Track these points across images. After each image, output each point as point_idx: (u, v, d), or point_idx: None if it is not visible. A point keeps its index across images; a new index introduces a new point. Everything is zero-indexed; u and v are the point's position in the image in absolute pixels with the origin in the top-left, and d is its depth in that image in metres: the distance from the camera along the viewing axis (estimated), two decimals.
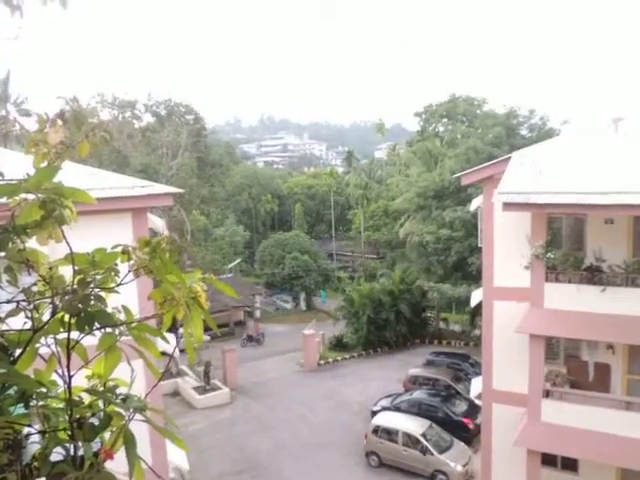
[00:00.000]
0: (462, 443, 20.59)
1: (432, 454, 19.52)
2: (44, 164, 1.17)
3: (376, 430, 20.91)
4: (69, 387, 1.10)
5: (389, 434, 20.57)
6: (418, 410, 22.59)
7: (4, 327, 1.11)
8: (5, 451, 0.96)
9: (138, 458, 1.14)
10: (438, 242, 32.68)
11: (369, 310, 34.40)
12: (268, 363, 33.49)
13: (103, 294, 1.13)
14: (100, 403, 1.12)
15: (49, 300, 1.09)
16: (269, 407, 26.67)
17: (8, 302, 1.13)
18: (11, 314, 1.11)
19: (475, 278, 28.91)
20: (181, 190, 16.29)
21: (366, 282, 38.69)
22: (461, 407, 23.03)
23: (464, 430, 21.60)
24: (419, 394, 24.20)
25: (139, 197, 12.37)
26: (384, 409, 23.21)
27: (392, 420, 21.24)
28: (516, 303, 15.74)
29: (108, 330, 1.10)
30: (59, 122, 1.17)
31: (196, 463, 19.14)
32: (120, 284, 1.13)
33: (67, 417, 1.08)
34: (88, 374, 1.16)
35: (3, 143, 44.88)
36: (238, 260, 48.98)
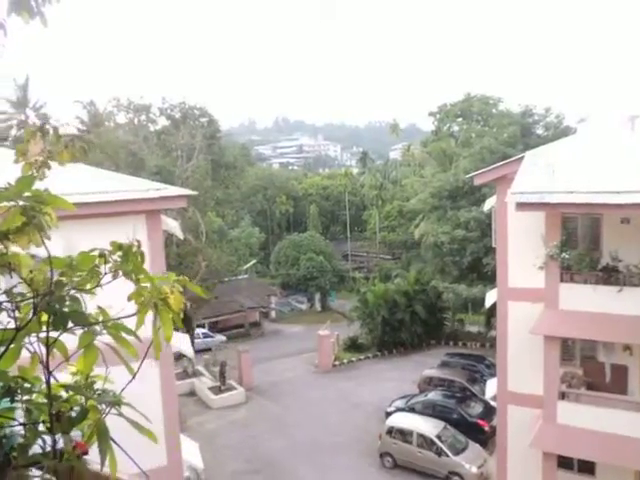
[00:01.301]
0: (477, 445, 20.46)
1: (447, 455, 19.43)
2: (32, 172, 1.24)
3: (390, 431, 20.87)
4: (48, 382, 1.16)
5: (403, 435, 20.52)
6: (433, 411, 22.49)
7: None
8: None
9: (111, 449, 1.20)
10: (453, 242, 32.49)
11: (384, 311, 34.33)
12: (283, 363, 33.59)
13: (88, 294, 1.19)
14: (80, 398, 1.18)
15: (31, 301, 1.15)
16: (284, 407, 26.76)
17: None
18: None
19: (491, 279, 28.64)
20: (194, 192, 16.44)
21: (381, 283, 38.60)
22: (476, 409, 22.87)
23: (479, 432, 21.44)
24: (434, 395, 24.10)
25: (153, 199, 12.55)
26: (398, 410, 23.15)
27: (406, 421, 21.19)
28: (531, 304, 15.62)
29: (86, 329, 1.16)
30: (39, 135, 1.23)
31: (211, 462, 19.27)
32: (98, 285, 1.19)
33: (46, 409, 1.14)
34: (72, 371, 1.23)
35: None
36: (253, 261, 49.21)
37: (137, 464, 1.24)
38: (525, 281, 16.06)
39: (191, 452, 14.63)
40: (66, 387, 1.19)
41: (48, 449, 1.09)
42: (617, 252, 14.64)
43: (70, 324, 1.14)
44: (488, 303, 19.69)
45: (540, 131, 33.59)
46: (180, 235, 16.83)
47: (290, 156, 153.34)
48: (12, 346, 1.11)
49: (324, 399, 27.37)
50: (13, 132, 50.36)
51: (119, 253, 1.18)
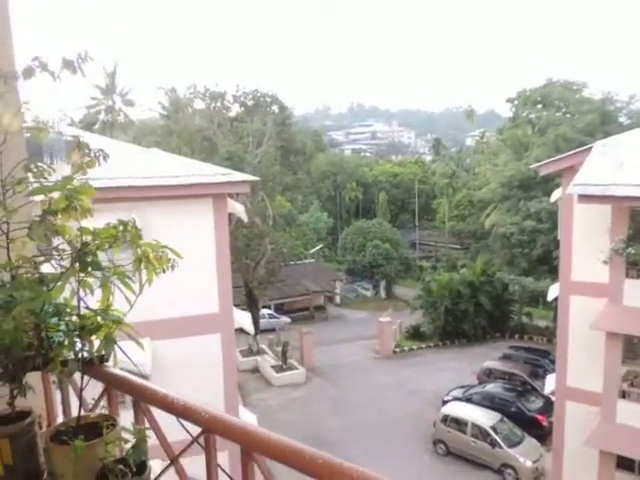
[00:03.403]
0: (534, 439, 20.20)
1: (501, 447, 19.35)
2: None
3: (445, 419, 21.03)
4: (78, 306, 1.74)
5: (458, 424, 20.61)
6: (491, 403, 22.37)
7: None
8: (33, 331, 1.64)
9: (114, 349, 1.77)
10: (522, 234, 31.64)
11: (447, 301, 34.11)
12: (345, 347, 34.25)
13: (111, 252, 1.77)
14: (98, 318, 1.75)
15: (70, 255, 1.73)
16: (342, 389, 27.48)
17: (46, 256, 1.79)
18: (46, 261, 1.78)
19: None
20: (257, 178, 17.26)
21: (446, 272, 38.26)
22: (536, 403, 22.50)
23: (537, 427, 21.13)
24: (493, 387, 23.93)
25: (219, 184, 13.45)
26: (455, 399, 23.21)
27: (461, 410, 21.25)
28: (593, 299, 15.24)
29: (102, 274, 1.72)
30: (77, 149, 1.81)
31: None
32: (111, 247, 1.75)
33: (77, 324, 1.73)
34: (97, 302, 1.81)
35: (110, 132, 49.07)
36: (320, 246, 50.09)
37: (131, 359, 1.78)
38: (589, 275, 15.66)
39: (248, 419, 15.58)
40: (89, 309, 1.77)
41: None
42: None
43: (91, 270, 1.70)
44: (551, 297, 19.31)
45: (623, 119, 31.77)
46: (245, 218, 17.77)
47: (363, 142, 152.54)
48: (59, 284, 1.70)
49: (382, 384, 27.82)
50: (101, 117, 54.06)
51: (121, 226, 1.73)
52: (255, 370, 30.14)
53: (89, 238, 1.73)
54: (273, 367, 29.26)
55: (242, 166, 28.02)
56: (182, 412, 1.76)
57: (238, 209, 16.70)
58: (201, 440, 1.77)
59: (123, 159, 12.34)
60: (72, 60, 1.67)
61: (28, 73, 1.69)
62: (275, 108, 34.40)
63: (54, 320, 1.69)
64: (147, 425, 1.91)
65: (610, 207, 14.29)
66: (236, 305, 16.66)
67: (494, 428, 19.87)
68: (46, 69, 1.67)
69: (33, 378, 1.86)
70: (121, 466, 1.69)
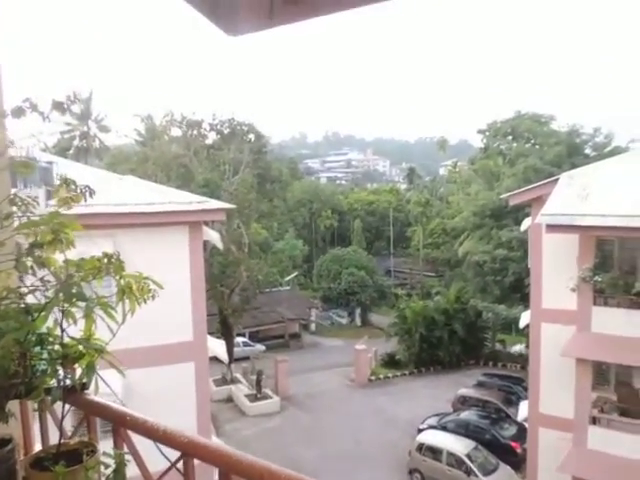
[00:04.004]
0: (508, 467, 20.23)
1: (476, 476, 19.31)
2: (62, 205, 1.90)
3: (420, 448, 20.94)
4: (62, 337, 1.79)
5: (433, 453, 20.55)
6: (465, 431, 22.39)
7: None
8: (19, 359, 1.68)
9: (95, 377, 1.81)
10: (494, 262, 32.26)
11: (422, 328, 34.29)
12: (320, 375, 33.98)
13: (95, 283, 1.83)
14: (80, 347, 1.80)
15: (55, 285, 1.79)
16: (317, 419, 27.17)
17: (31, 286, 1.85)
18: (31, 292, 1.84)
19: None
20: (233, 206, 17.37)
21: (421, 300, 38.56)
22: (510, 430, 22.62)
23: (512, 454, 21.20)
24: (468, 415, 23.98)
25: (194, 212, 13.51)
26: (430, 427, 23.17)
27: (437, 439, 21.20)
28: (563, 326, 15.59)
29: (85, 304, 1.78)
30: (64, 185, 1.89)
31: None
32: (95, 278, 1.81)
33: (60, 353, 1.78)
34: (81, 332, 1.86)
35: (84, 158, 48.66)
36: (295, 273, 50.03)
37: (109, 385, 1.83)
38: (559, 303, 16.03)
39: None
40: (71, 338, 1.82)
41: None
42: None
43: (75, 300, 1.76)
44: (523, 324, 19.66)
45: (588, 151, 33.03)
46: (220, 246, 17.79)
47: (338, 170, 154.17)
48: (43, 314, 1.76)
49: (357, 413, 27.62)
50: (75, 143, 53.70)
51: (106, 259, 1.80)
52: (229, 399, 29.62)
53: (74, 270, 1.80)
54: (247, 396, 28.81)
55: (218, 193, 28.06)
56: (162, 437, 1.82)
57: (213, 236, 16.73)
58: (181, 467, 1.82)
59: (98, 186, 12.30)
60: (62, 102, 1.76)
61: (17, 113, 1.78)
62: (251, 136, 34.73)
63: (37, 349, 1.75)
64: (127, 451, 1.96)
65: (577, 236, 14.79)
66: (210, 333, 16.51)
67: (469, 456, 19.87)
68: (36, 110, 1.76)
69: (11, 406, 1.89)
70: None
